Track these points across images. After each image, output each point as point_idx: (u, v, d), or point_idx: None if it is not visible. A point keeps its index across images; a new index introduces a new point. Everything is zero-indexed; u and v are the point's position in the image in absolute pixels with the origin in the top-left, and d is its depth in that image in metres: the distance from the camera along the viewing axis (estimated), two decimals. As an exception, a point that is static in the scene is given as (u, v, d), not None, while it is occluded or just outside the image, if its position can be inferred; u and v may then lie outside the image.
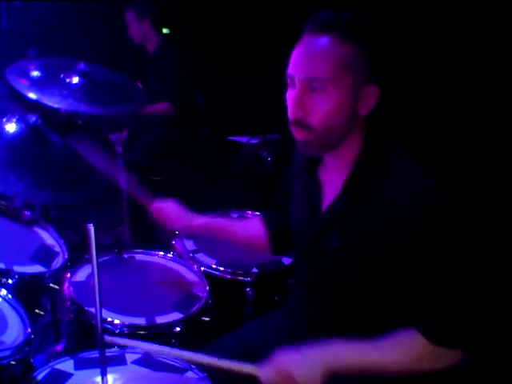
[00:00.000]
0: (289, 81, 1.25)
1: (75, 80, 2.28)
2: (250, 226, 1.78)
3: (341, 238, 1.29)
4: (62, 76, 2.28)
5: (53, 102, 2.16)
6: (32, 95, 2.13)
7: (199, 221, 1.81)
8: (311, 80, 1.20)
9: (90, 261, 1.14)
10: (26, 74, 2.25)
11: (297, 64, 1.22)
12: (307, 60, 1.21)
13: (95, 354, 1.35)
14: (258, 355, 1.43)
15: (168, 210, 1.82)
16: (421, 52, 2.70)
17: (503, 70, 2.51)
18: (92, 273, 1.13)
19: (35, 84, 2.20)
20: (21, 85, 2.16)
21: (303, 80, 1.20)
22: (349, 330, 1.32)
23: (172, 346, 1.60)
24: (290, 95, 1.25)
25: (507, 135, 2.54)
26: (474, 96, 2.61)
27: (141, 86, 3.76)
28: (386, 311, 1.30)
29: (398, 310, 1.28)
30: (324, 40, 1.20)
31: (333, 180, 1.33)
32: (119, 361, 1.40)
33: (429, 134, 2.67)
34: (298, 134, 1.26)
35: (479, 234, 2.43)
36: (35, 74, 2.28)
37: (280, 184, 1.62)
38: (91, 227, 1.09)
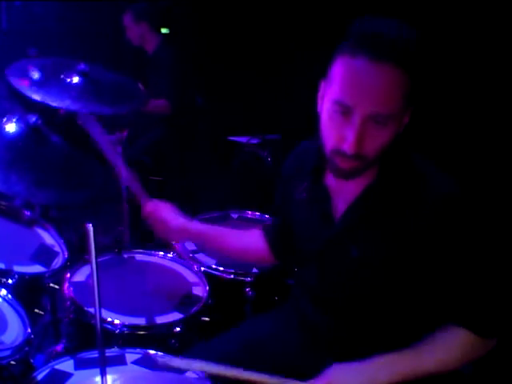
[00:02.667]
0: (338, 107, 1.14)
1: (75, 80, 2.27)
2: (247, 237, 1.70)
3: (362, 249, 1.27)
4: (62, 76, 2.27)
5: (53, 101, 2.15)
6: (32, 95, 2.12)
7: (194, 226, 1.71)
8: (377, 116, 1.12)
9: (89, 261, 1.14)
10: (26, 75, 2.24)
11: (359, 96, 1.11)
12: (374, 95, 1.11)
13: (95, 354, 1.36)
14: (257, 355, 1.44)
15: (163, 210, 1.70)
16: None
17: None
18: (91, 273, 1.13)
19: (35, 84, 2.20)
20: (21, 85, 2.16)
21: (368, 115, 1.12)
22: (356, 339, 1.33)
23: (172, 346, 1.61)
24: (340, 123, 1.15)
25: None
26: (481, 101, 2.61)
27: (142, 86, 3.77)
28: (404, 319, 1.31)
29: (412, 317, 1.30)
30: (391, 73, 1.10)
31: (347, 188, 1.29)
32: (119, 361, 1.40)
33: (441, 141, 2.67)
34: (347, 163, 1.18)
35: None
36: (35, 76, 2.27)
37: (276, 194, 1.58)
38: (90, 227, 1.09)
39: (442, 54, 2.61)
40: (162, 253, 2.02)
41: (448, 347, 1.23)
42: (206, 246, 1.85)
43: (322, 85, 1.24)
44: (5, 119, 1.88)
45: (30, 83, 2.20)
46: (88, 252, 1.10)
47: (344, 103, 1.13)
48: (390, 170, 1.24)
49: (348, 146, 1.14)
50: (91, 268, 1.12)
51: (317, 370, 1.24)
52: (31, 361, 1.46)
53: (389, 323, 1.31)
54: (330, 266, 1.34)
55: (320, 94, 1.24)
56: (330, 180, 1.34)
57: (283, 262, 1.68)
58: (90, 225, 1.08)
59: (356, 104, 1.12)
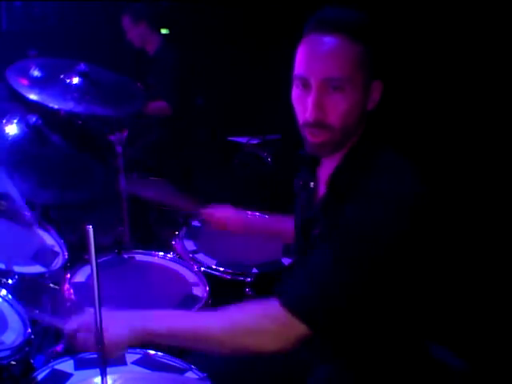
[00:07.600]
0: (298, 82, 1.23)
1: (75, 80, 2.28)
2: None
3: (321, 229, 1.30)
4: (62, 76, 2.27)
5: (53, 103, 2.15)
6: (32, 96, 2.12)
7: (254, 220, 1.91)
8: (329, 80, 1.18)
9: (89, 262, 1.14)
10: (26, 74, 2.24)
11: (311, 65, 1.20)
12: (323, 60, 1.19)
13: (95, 355, 1.36)
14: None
15: (226, 215, 1.89)
16: (419, 48, 2.70)
17: (502, 67, 2.51)
18: (91, 274, 1.13)
19: (35, 84, 2.20)
20: (21, 85, 2.16)
21: (321, 81, 1.19)
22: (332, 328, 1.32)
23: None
24: (302, 96, 1.22)
25: (507, 134, 2.54)
26: (473, 94, 2.61)
27: (141, 87, 3.77)
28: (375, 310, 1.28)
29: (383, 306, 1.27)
30: (336, 40, 1.18)
31: (325, 174, 1.33)
32: (119, 361, 1.40)
33: (426, 131, 2.67)
34: (316, 136, 1.23)
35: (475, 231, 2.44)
36: (35, 73, 2.27)
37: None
38: (90, 228, 1.09)
39: (426, 41, 2.63)
40: (161, 253, 2.02)
41: (247, 315, 1.23)
42: (269, 236, 1.93)
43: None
44: (5, 120, 1.88)
45: (29, 82, 2.21)
46: (88, 253, 1.10)
47: (301, 76, 1.22)
48: (356, 157, 1.27)
49: (308, 113, 1.20)
50: (91, 269, 1.12)
51: (303, 370, 1.25)
52: (31, 361, 1.46)
53: (364, 316, 1.27)
54: (305, 249, 1.37)
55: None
56: (320, 168, 1.38)
57: None
58: (90, 227, 1.08)
59: (310, 73, 1.20)
